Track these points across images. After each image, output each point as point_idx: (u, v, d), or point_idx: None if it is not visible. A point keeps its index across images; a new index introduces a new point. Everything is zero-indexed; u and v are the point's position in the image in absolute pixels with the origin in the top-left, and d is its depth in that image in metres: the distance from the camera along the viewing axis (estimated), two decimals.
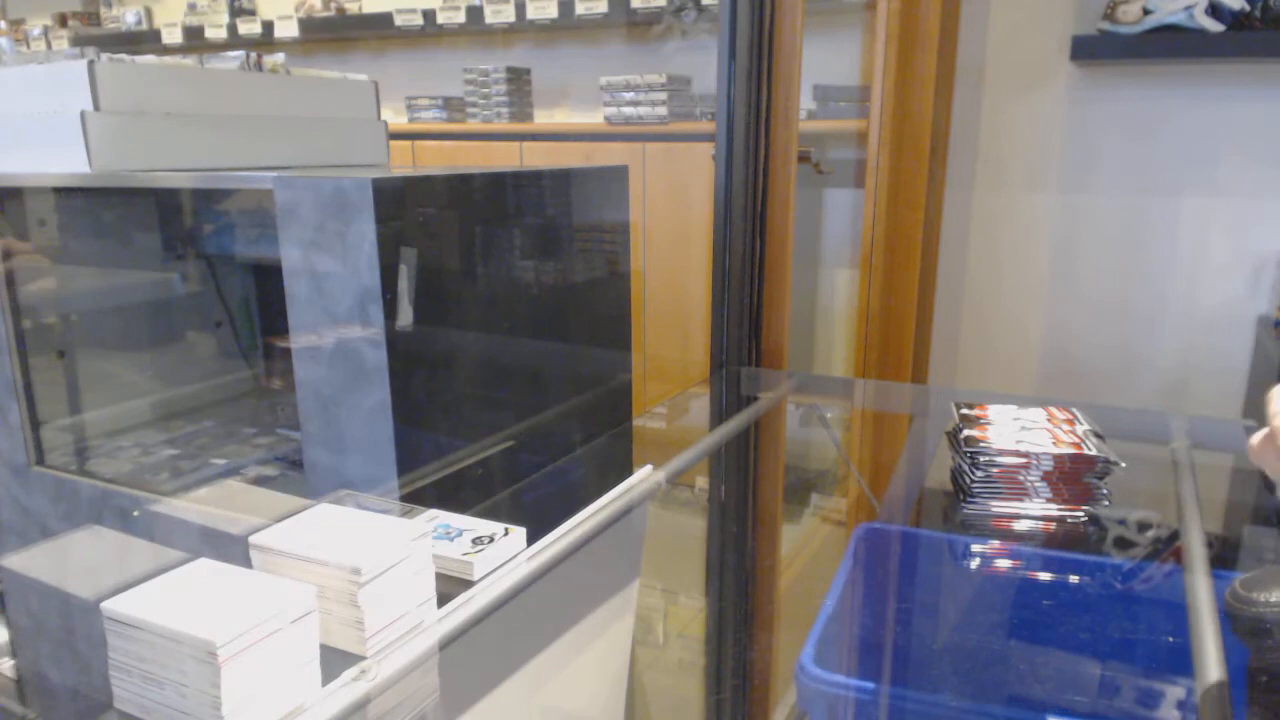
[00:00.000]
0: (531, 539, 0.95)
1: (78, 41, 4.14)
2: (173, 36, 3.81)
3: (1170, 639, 1.02)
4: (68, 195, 1.46)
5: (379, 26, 3.29)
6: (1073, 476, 1.20)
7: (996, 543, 1.19)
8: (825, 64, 2.58)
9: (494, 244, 1.24)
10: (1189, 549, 1.03)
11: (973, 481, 1.21)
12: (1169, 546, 1.12)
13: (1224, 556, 1.13)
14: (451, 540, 0.90)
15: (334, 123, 1.60)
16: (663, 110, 2.68)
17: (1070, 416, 1.34)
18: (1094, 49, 2.20)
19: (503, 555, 0.90)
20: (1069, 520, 1.20)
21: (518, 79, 3.07)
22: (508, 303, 1.27)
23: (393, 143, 1.75)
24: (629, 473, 1.18)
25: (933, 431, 1.55)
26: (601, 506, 1.08)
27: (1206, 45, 2.08)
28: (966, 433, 1.26)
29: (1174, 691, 0.99)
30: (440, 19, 3.13)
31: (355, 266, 1.05)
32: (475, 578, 0.87)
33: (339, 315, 1.08)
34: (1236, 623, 0.87)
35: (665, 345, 2.51)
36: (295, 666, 0.68)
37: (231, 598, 0.67)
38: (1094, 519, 1.20)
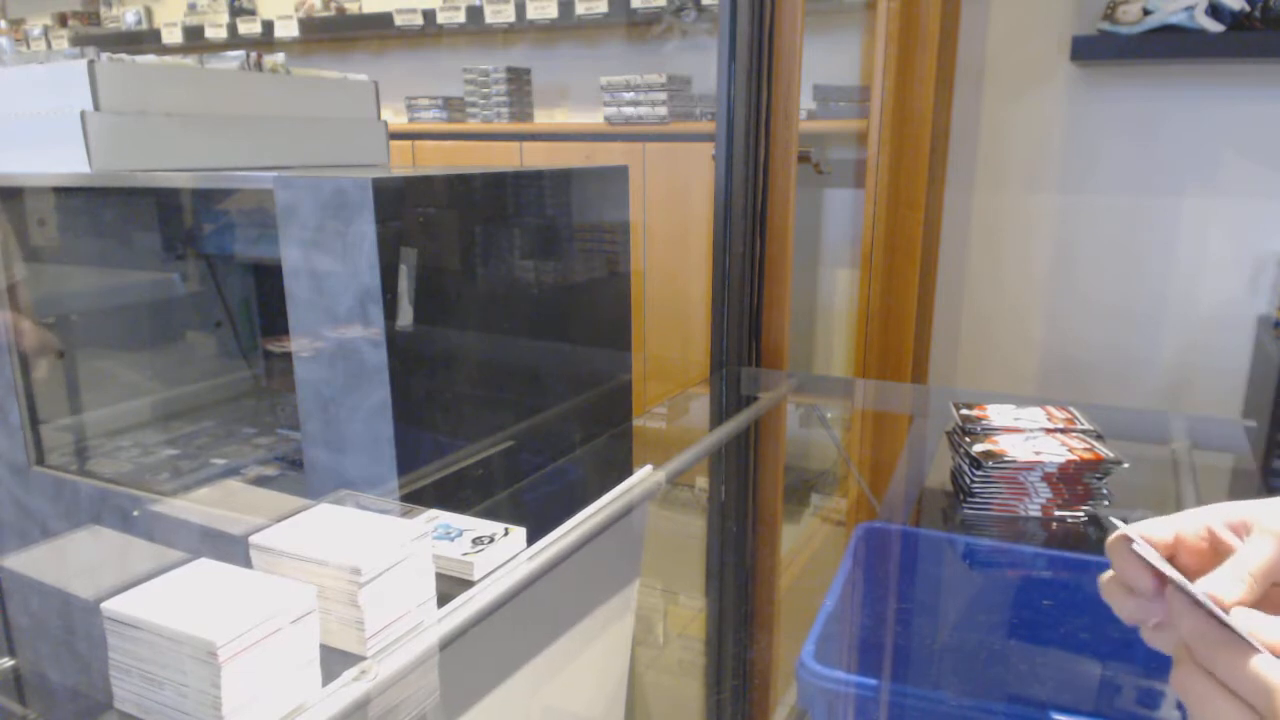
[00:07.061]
0: (531, 539, 0.95)
1: (78, 41, 4.14)
2: (173, 36, 3.81)
3: None
4: (68, 195, 1.46)
5: (379, 26, 3.29)
6: (1073, 477, 1.20)
7: (996, 543, 1.19)
8: (825, 64, 2.58)
9: (494, 244, 1.24)
10: None
11: (973, 481, 1.21)
12: None
13: None
14: (451, 540, 0.90)
15: (334, 123, 1.60)
16: (663, 110, 2.67)
17: (1070, 416, 1.34)
18: (1094, 49, 2.20)
19: (503, 555, 0.90)
20: (1069, 520, 1.20)
21: (518, 79, 3.07)
22: (508, 303, 1.27)
23: (393, 143, 1.75)
24: (629, 473, 1.18)
25: (933, 431, 1.55)
26: (601, 506, 1.08)
27: (1206, 45, 2.08)
28: (979, 448, 1.25)
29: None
30: (440, 19, 3.13)
31: (355, 266, 1.05)
32: (475, 578, 0.87)
33: (339, 315, 1.08)
34: None
35: (665, 345, 2.51)
36: (295, 666, 0.68)
37: (231, 598, 0.67)
38: (1094, 519, 1.20)
